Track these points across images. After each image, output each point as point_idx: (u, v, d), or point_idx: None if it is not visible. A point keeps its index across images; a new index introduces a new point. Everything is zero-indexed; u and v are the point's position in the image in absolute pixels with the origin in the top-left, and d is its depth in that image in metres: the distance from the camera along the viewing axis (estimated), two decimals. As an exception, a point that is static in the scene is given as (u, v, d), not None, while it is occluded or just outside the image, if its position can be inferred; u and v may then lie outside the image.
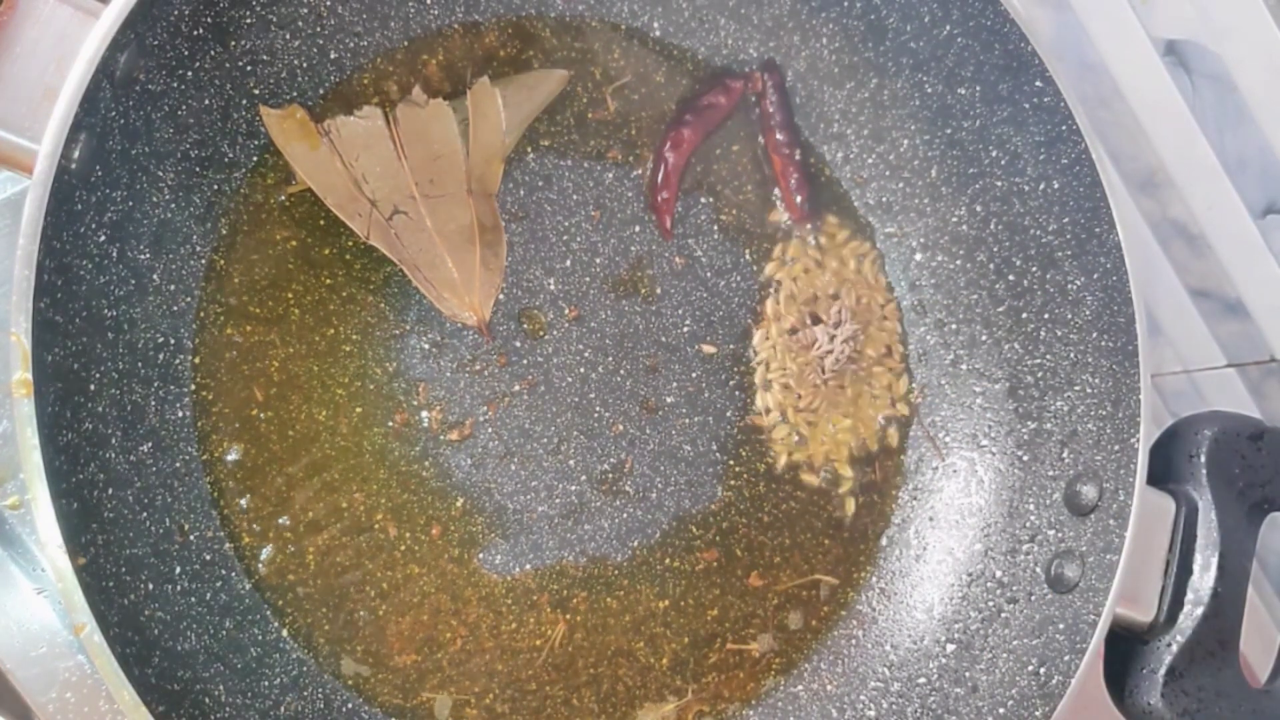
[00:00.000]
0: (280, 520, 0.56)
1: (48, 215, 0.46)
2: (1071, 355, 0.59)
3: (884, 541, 0.64)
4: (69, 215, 0.48)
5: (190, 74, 0.54)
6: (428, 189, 0.57)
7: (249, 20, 0.56)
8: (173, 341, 0.55)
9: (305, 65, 0.58)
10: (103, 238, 0.51)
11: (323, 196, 0.56)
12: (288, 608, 0.56)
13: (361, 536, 0.57)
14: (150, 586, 0.52)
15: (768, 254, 0.63)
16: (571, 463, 0.60)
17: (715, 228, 0.63)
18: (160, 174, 0.54)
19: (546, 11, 0.62)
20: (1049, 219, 0.59)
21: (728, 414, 0.62)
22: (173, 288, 0.55)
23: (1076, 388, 0.59)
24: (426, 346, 0.59)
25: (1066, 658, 0.55)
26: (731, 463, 0.62)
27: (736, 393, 0.63)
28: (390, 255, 0.56)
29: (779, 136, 0.62)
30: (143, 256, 0.54)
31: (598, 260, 0.61)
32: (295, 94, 0.58)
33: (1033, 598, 0.58)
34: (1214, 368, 0.77)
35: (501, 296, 0.60)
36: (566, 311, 0.61)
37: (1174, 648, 0.55)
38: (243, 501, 0.56)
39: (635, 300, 0.62)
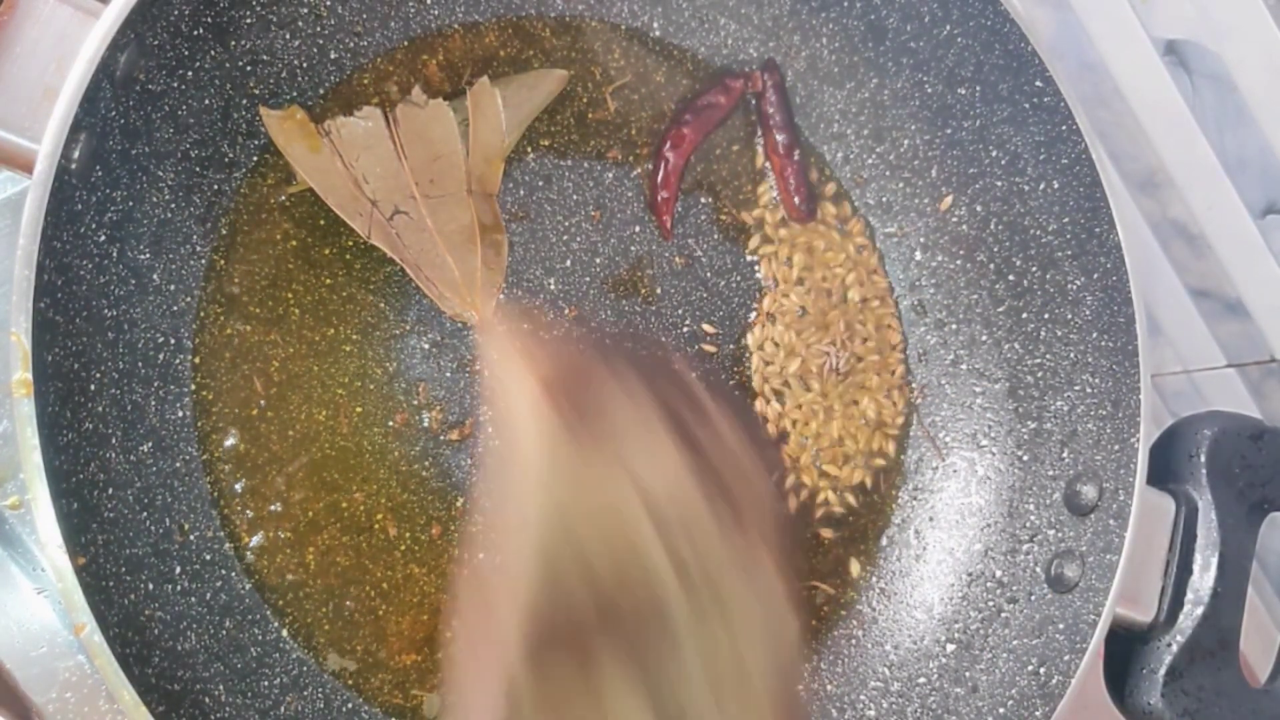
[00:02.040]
0: (280, 520, 0.56)
1: (48, 215, 0.46)
2: (1071, 355, 0.59)
3: (884, 541, 0.64)
4: (69, 215, 0.48)
5: (190, 74, 0.54)
6: (428, 189, 0.57)
7: (249, 20, 0.56)
8: (173, 341, 0.55)
9: (305, 65, 0.58)
10: (103, 238, 0.51)
11: (324, 197, 0.56)
12: (288, 608, 0.56)
13: (361, 536, 0.57)
14: (150, 586, 0.52)
15: (767, 254, 0.63)
16: (571, 463, 0.60)
17: (715, 228, 0.63)
18: (160, 174, 0.54)
19: (546, 11, 0.62)
20: (1049, 219, 0.59)
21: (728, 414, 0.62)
22: (173, 288, 0.55)
23: (1076, 388, 0.59)
24: (426, 346, 0.59)
25: (1066, 658, 0.55)
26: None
27: (736, 393, 0.63)
28: (392, 255, 0.56)
29: (778, 137, 0.62)
30: (143, 256, 0.54)
31: (598, 260, 0.61)
32: (295, 94, 0.58)
33: (1033, 598, 0.58)
34: (1214, 368, 0.77)
35: (501, 296, 0.60)
36: (566, 311, 0.61)
37: (1174, 648, 0.55)
38: (242, 501, 0.56)
39: (635, 300, 0.62)
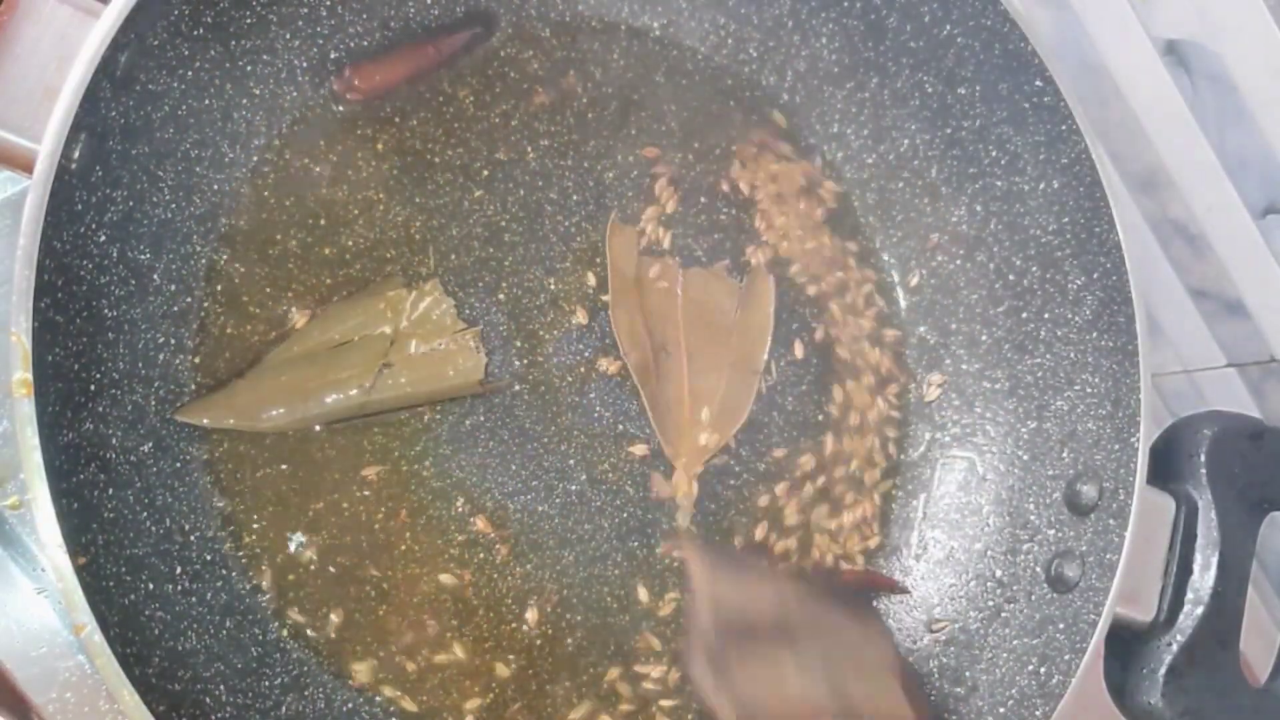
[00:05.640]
0: (280, 520, 0.56)
1: (48, 215, 0.46)
2: (1071, 355, 0.59)
3: (884, 541, 0.64)
4: (69, 215, 0.49)
5: (190, 74, 0.54)
6: (693, 345, 0.61)
7: (249, 20, 0.56)
8: (173, 341, 0.55)
9: (305, 65, 0.58)
10: (103, 238, 0.51)
11: (611, 308, 0.60)
12: (287, 608, 0.56)
13: (361, 536, 0.57)
14: (150, 586, 0.52)
15: (766, 253, 0.63)
16: (571, 462, 0.60)
17: (714, 227, 0.63)
18: (160, 174, 0.54)
19: (546, 11, 0.62)
20: (1049, 219, 0.59)
21: (728, 414, 0.62)
22: (173, 288, 0.55)
23: (1076, 388, 0.59)
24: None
25: (1066, 657, 0.55)
26: (732, 463, 0.62)
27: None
28: (638, 383, 0.60)
29: None
30: (143, 256, 0.54)
31: (598, 260, 0.61)
32: (295, 94, 0.58)
33: (1033, 597, 0.58)
34: (1214, 368, 0.77)
35: (501, 296, 0.60)
36: (566, 311, 0.61)
37: (1174, 647, 0.55)
38: (243, 501, 0.56)
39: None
